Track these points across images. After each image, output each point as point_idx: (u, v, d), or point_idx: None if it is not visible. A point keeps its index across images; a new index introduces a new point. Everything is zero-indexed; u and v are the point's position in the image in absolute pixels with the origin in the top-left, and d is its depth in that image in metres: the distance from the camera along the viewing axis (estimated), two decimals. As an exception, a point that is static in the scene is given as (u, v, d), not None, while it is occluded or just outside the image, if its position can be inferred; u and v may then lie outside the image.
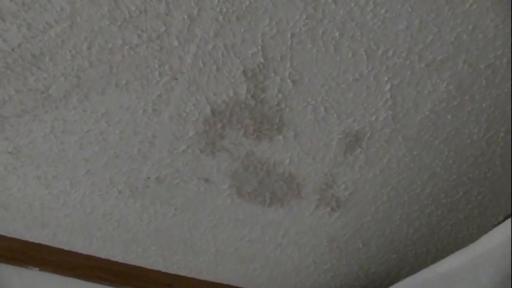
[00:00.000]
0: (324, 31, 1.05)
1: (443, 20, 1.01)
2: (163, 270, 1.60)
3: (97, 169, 1.33)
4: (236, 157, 1.31)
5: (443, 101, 1.19)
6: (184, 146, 1.28)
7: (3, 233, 1.44)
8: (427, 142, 1.28)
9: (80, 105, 1.16)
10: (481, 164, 1.34)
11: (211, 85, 1.15)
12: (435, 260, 1.13)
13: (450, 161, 1.32)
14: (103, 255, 1.55)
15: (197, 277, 1.61)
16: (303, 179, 1.37)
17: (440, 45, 1.06)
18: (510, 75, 1.12)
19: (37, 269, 1.48)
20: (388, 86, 1.16)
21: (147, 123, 1.23)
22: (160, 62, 1.09)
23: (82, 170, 1.33)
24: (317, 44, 1.07)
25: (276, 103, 1.20)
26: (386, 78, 1.15)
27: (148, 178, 1.36)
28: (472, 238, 1.20)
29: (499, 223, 1.12)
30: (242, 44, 1.07)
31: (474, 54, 1.08)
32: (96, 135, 1.23)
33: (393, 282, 1.38)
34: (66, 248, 1.51)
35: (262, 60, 1.12)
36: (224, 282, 1.62)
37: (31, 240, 1.46)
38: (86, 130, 1.22)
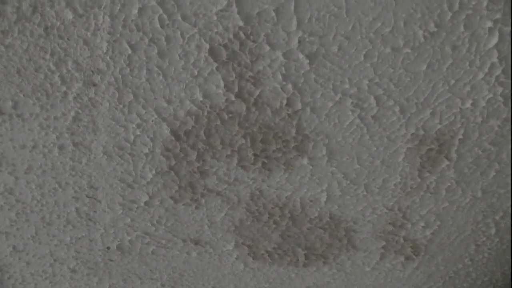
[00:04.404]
0: None
1: None
2: None
3: (26, 244, 0.99)
4: (235, 201, 0.91)
5: None
6: (146, 197, 0.89)
7: None
8: None
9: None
10: None
11: (158, 85, 0.70)
12: None
13: None
14: None
15: None
16: (355, 221, 0.97)
17: None
18: None
19: None
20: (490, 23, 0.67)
21: (73, 168, 0.83)
22: (56, 56, 0.66)
23: (6, 248, 0.99)
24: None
25: (284, 101, 0.71)
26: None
27: (108, 248, 1.01)
28: None
29: None
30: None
31: None
32: (4, 195, 0.88)
33: None
34: None
35: (241, 23, 0.64)
36: None
37: None
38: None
